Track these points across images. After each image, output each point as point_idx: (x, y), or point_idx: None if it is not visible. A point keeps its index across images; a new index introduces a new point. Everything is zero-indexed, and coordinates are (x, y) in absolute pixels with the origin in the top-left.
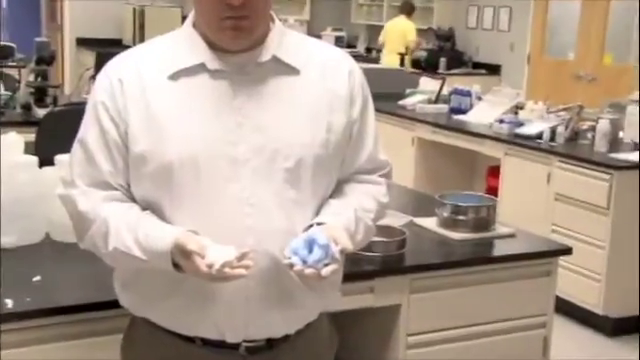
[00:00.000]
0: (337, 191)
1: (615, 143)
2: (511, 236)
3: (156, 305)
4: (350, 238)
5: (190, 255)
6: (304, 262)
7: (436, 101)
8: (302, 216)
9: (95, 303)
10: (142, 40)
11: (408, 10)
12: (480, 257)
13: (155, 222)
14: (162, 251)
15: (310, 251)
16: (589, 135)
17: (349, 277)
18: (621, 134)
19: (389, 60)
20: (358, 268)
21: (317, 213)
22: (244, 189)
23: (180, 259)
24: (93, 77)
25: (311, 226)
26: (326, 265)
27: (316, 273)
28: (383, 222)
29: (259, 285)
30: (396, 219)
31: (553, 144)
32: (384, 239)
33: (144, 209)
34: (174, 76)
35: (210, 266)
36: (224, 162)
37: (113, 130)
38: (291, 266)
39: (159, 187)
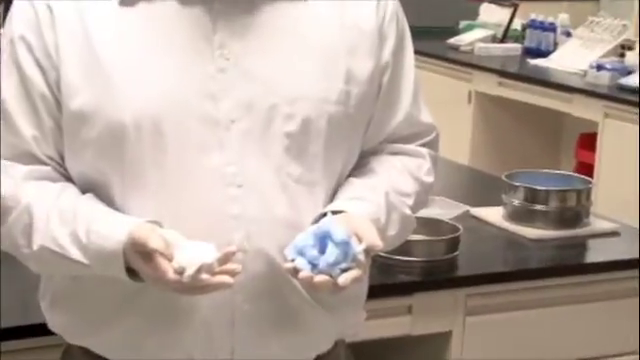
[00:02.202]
0: (361, 167)
1: None
2: (613, 234)
3: (101, 330)
4: (380, 233)
5: (151, 256)
6: (313, 266)
7: (504, 38)
8: (311, 201)
9: (12, 329)
10: None
11: None
12: (567, 265)
13: (100, 210)
14: (111, 251)
15: (322, 251)
16: None
17: (378, 292)
18: None
19: None
20: (390, 279)
21: (332, 198)
22: (228, 163)
23: (137, 262)
24: (5, 4)
25: (324, 215)
26: (344, 271)
27: (330, 282)
28: (426, 213)
29: (249, 299)
30: (445, 209)
31: None
32: (428, 237)
33: (84, 191)
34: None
35: (180, 272)
36: (199, 124)
37: (39, 78)
38: (295, 272)
39: (106, 160)
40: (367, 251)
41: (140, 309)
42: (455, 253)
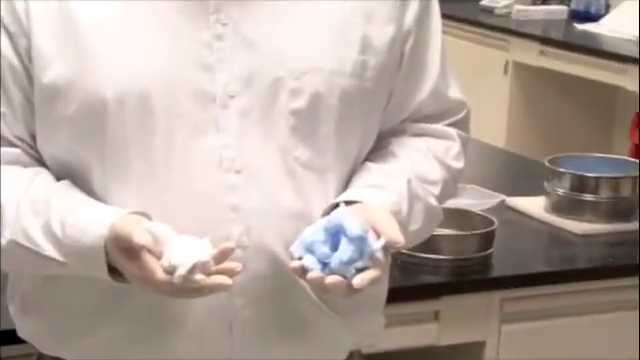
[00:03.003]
0: (380, 150)
1: None
2: None
3: (77, 339)
4: (401, 227)
5: (137, 254)
6: (324, 265)
7: (546, 0)
8: (321, 190)
9: None
10: None
11: None
12: (620, 265)
13: (78, 199)
14: (90, 247)
15: (334, 247)
16: None
17: (399, 295)
18: None
19: None
20: (413, 280)
21: (346, 186)
22: (226, 146)
23: (120, 260)
24: None
25: (336, 206)
26: (360, 271)
27: (344, 283)
28: (455, 203)
29: (250, 304)
30: (478, 199)
31: None
32: (457, 232)
33: (59, 178)
34: None
35: (170, 271)
36: (192, 101)
37: (6, 45)
38: (303, 272)
39: (83, 141)
40: (386, 248)
41: (124, 315)
42: (489, 250)
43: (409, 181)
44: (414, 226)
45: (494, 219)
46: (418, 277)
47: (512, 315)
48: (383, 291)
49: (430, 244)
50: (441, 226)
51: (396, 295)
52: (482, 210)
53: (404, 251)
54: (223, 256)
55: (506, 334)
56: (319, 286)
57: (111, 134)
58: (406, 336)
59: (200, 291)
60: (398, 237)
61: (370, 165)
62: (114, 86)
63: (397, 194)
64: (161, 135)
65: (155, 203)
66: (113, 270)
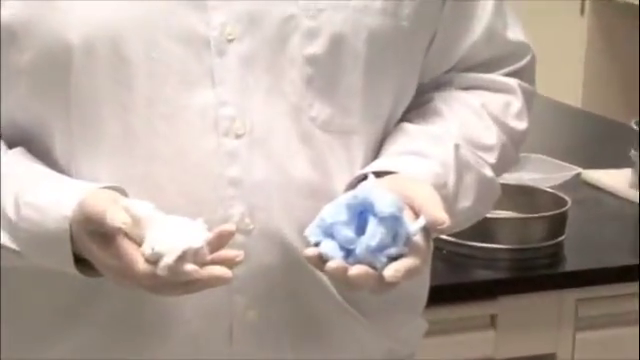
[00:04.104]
0: (419, 107)
1: None
2: None
3: (40, 347)
4: (446, 204)
5: (112, 239)
6: (348, 253)
7: None
8: (344, 158)
9: None
10: None
11: None
12: None
13: (37, 172)
14: (51, 232)
15: (360, 230)
16: None
17: (444, 294)
18: None
19: None
20: (463, 275)
21: (376, 153)
22: (223, 103)
23: (90, 248)
24: None
25: (364, 179)
26: (393, 260)
27: (373, 276)
28: (517, 177)
29: (254, 302)
30: (546, 171)
31: None
32: (519, 214)
33: (12, 145)
34: None
35: (154, 260)
36: (180, 46)
37: None
38: (321, 261)
39: (43, 98)
40: (427, 230)
41: (96, 318)
42: (560, 238)
43: (457, 146)
44: (463, 203)
45: (567, 198)
46: (469, 272)
47: (589, 320)
48: (423, 287)
49: (484, 229)
50: (498, 206)
51: (441, 294)
52: (551, 186)
53: (450, 237)
54: (220, 242)
55: (582, 344)
56: (341, 279)
57: (77, 89)
58: (454, 346)
59: (191, 286)
60: (442, 217)
61: (407, 126)
62: (80, 29)
63: (441, 163)
64: (140, 90)
65: (134, 175)
66: (81, 261)
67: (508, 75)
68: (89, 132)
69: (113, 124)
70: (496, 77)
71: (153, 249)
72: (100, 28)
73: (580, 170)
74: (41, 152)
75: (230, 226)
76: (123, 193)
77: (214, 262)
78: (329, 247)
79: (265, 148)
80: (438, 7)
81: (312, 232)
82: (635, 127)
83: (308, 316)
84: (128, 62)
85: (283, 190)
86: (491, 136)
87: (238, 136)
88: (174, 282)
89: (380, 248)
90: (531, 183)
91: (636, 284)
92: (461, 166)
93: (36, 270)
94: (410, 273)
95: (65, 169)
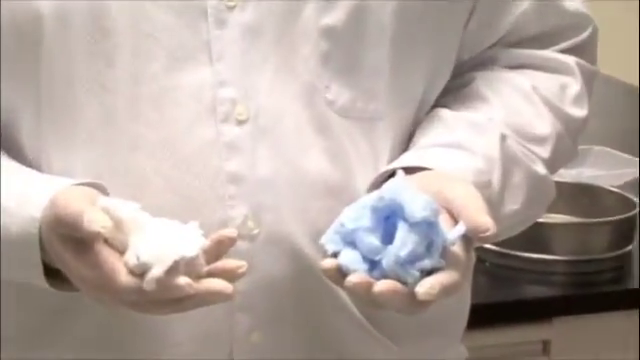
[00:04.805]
0: (459, 89)
1: None
2: None
3: None
4: (490, 208)
5: (90, 246)
6: (372, 265)
7: None
8: (368, 149)
9: None
10: None
11: None
12: None
13: (3, 164)
14: (17, 236)
15: (388, 238)
16: None
17: (489, 314)
18: None
19: None
20: (511, 292)
21: (406, 144)
22: (222, 83)
23: (63, 256)
24: None
25: (391, 175)
26: (427, 273)
27: (402, 293)
28: (576, 174)
29: (260, 322)
30: (610, 167)
31: None
32: (579, 219)
33: None
34: None
35: (140, 272)
36: (171, 15)
37: None
38: (340, 274)
39: (10, 76)
40: (468, 239)
41: (69, 340)
42: (628, 247)
43: (503, 137)
44: (511, 206)
45: (635, 199)
46: (517, 288)
47: None
48: (463, 307)
49: (536, 237)
50: (553, 209)
51: (483, 316)
52: (617, 185)
53: (495, 247)
54: (219, 250)
55: None
56: (365, 296)
57: (48, 65)
58: None
59: (184, 303)
60: (486, 222)
61: (443, 113)
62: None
63: (485, 157)
64: (123, 67)
65: (115, 169)
66: (52, 272)
67: (564, 52)
68: (62, 117)
69: (90, 108)
70: (550, 54)
71: (138, 258)
72: None
73: None
74: (6, 142)
75: (231, 231)
76: (102, 190)
77: (212, 274)
78: (350, 258)
79: (272, 137)
80: None
81: (330, 239)
82: None
83: (323, 340)
84: (109, 34)
85: (294, 188)
86: (544, 125)
87: (240, 123)
88: (163, 298)
89: (411, 260)
90: (592, 181)
91: None
92: (508, 161)
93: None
94: (447, 290)
95: (34, 162)
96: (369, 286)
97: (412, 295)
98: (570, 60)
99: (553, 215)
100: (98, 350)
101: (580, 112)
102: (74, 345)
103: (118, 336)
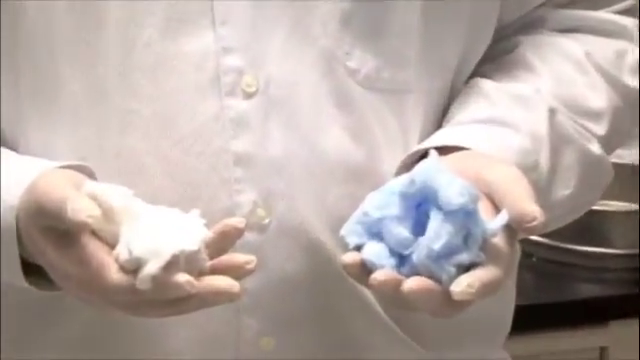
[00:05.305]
0: (501, 57)
1: None
2: None
3: None
4: (537, 194)
5: (75, 238)
6: (401, 260)
7: None
8: (395, 126)
9: None
10: None
11: None
12: None
13: None
14: None
15: (419, 228)
16: None
17: (537, 316)
18: None
19: None
20: (561, 292)
21: (440, 120)
22: (228, 50)
23: (45, 250)
24: None
25: (423, 156)
26: (465, 269)
27: (436, 291)
28: (635, 154)
29: (271, 326)
30: None
31: None
32: (638, 206)
33: None
34: None
35: (132, 268)
36: None
37: None
38: (364, 270)
39: None
40: (512, 230)
41: (52, 346)
42: None
43: (553, 112)
44: (562, 191)
45: None
46: (569, 287)
47: None
48: (506, 308)
49: (590, 228)
50: (609, 195)
51: (530, 318)
52: None
53: (543, 239)
54: (224, 242)
55: None
56: (392, 295)
57: (28, 32)
58: None
59: (184, 304)
60: (532, 211)
61: (482, 84)
62: None
63: (531, 135)
64: (113, 32)
65: (104, 150)
66: (31, 268)
67: (621, 13)
68: (43, 91)
69: (75, 79)
70: (606, 15)
71: (131, 253)
72: None
73: None
74: None
75: (238, 220)
76: (89, 174)
77: (215, 271)
78: (375, 252)
79: (285, 112)
80: None
81: (352, 230)
82: None
83: (343, 345)
84: (95, 13)
85: (310, 170)
86: (599, 98)
87: (248, 95)
88: (160, 299)
89: (446, 253)
90: None
91: None
92: (558, 139)
93: None
94: (487, 288)
95: (10, 142)
96: (397, 284)
97: (447, 294)
98: (628, 22)
99: (610, 202)
100: (85, 356)
101: None
102: (55, 352)
103: (107, 342)
